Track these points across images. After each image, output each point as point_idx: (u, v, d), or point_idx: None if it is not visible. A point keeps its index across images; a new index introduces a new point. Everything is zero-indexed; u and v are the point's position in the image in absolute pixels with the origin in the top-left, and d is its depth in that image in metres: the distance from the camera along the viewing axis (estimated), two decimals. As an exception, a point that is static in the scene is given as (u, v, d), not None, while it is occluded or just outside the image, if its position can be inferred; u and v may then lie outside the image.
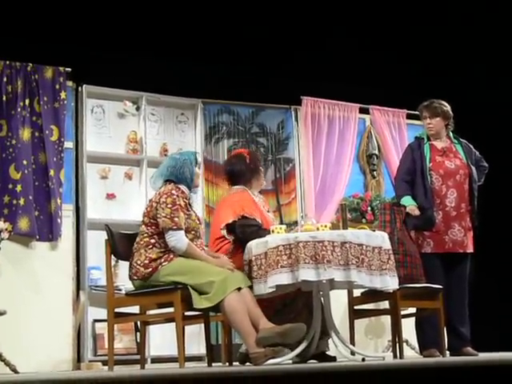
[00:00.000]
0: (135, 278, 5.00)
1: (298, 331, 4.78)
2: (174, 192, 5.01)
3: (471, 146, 5.98)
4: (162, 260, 4.94)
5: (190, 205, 5.13)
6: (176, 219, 4.92)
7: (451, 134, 5.94)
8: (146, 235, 5.02)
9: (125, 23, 7.13)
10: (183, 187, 5.10)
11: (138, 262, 4.97)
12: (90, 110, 7.08)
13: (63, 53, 6.73)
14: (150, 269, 4.94)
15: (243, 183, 5.48)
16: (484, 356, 5.35)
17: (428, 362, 4.46)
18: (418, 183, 5.74)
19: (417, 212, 5.65)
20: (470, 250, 5.74)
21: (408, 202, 5.72)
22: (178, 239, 4.92)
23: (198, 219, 5.16)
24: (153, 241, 4.99)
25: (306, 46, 7.74)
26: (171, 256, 4.95)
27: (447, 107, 5.90)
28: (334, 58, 7.80)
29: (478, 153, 5.98)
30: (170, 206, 4.95)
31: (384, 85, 7.86)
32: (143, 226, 5.07)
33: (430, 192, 5.67)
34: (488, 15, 7.78)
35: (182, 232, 4.94)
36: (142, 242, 5.02)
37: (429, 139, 5.88)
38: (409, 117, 8.27)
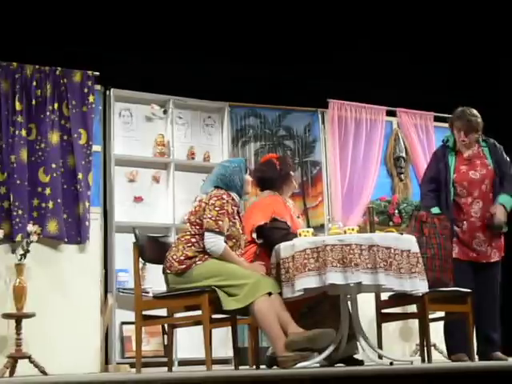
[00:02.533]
0: (168, 271, 5.03)
1: (327, 336, 4.78)
2: (224, 197, 5.05)
3: (499, 147, 5.80)
4: (197, 259, 4.97)
5: (238, 213, 5.15)
6: (220, 223, 4.95)
7: (479, 137, 5.82)
8: (188, 233, 5.05)
9: (152, 27, 7.17)
10: (234, 194, 5.14)
11: (174, 257, 5.00)
12: (118, 113, 7.13)
13: (91, 57, 6.79)
14: (184, 266, 4.97)
15: (274, 189, 5.49)
16: None
17: (456, 366, 4.43)
18: (442, 195, 5.69)
19: None
20: (496, 258, 5.65)
21: (435, 212, 5.67)
22: (215, 242, 4.95)
23: (242, 229, 5.16)
24: (193, 240, 5.02)
25: (333, 48, 7.73)
26: (206, 257, 4.98)
27: (479, 118, 5.75)
28: (361, 60, 7.80)
29: (506, 157, 5.79)
30: (217, 208, 4.99)
31: (411, 87, 7.83)
32: (188, 224, 5.10)
33: (451, 206, 5.63)
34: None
35: (222, 237, 4.97)
36: (182, 239, 5.05)
37: (455, 145, 5.78)
38: (436, 119, 8.23)
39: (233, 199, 5.10)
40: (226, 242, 4.99)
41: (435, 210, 5.69)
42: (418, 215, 5.61)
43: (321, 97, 7.76)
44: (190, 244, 5.01)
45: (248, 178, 5.24)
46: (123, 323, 6.72)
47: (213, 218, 4.96)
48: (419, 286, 4.86)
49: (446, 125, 7.73)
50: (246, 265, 5.03)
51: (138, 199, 7.10)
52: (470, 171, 5.67)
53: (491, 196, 5.64)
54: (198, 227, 5.03)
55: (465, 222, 5.60)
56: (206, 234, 4.96)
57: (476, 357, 5.56)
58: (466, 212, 5.61)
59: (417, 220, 5.53)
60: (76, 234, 6.53)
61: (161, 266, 5.20)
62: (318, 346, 4.80)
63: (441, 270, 5.43)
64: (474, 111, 5.77)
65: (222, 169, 5.22)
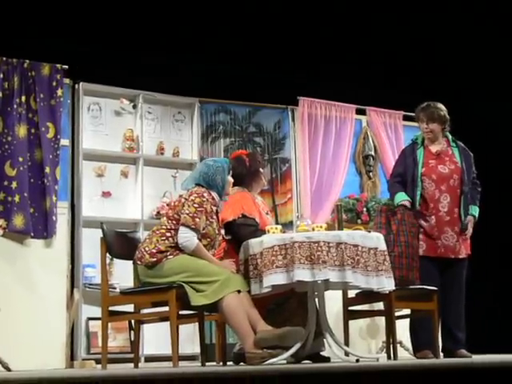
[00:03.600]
0: (139, 262, 5.01)
1: (296, 334, 4.80)
2: (205, 195, 5.05)
3: (470, 154, 5.89)
4: (168, 254, 4.96)
5: (216, 213, 5.14)
6: (197, 220, 4.95)
7: (450, 136, 5.88)
8: (164, 227, 5.04)
9: (122, 21, 7.13)
10: (214, 194, 5.14)
11: (147, 249, 4.99)
12: (87, 107, 7.08)
13: (60, 50, 6.73)
14: (155, 259, 4.95)
15: (243, 186, 5.48)
16: (478, 358, 5.34)
17: (421, 363, 4.46)
18: (409, 190, 5.73)
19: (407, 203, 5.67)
20: (463, 255, 5.69)
21: (401, 198, 5.72)
22: (189, 238, 4.94)
23: (219, 229, 5.16)
24: (168, 234, 5.01)
25: (303, 46, 7.74)
26: (178, 252, 4.97)
27: (444, 111, 5.84)
28: (331, 58, 7.82)
29: (474, 168, 5.90)
30: (196, 205, 4.98)
31: (381, 86, 7.87)
32: (165, 218, 5.09)
33: (419, 201, 5.67)
34: (484, 16, 7.79)
35: (196, 234, 4.96)
36: (157, 232, 5.04)
37: (424, 142, 5.84)
38: (405, 118, 8.28)
39: (213, 198, 5.10)
40: (200, 240, 4.98)
41: (400, 195, 5.73)
42: (381, 209, 5.66)
43: (291, 94, 7.77)
44: (164, 238, 5.00)
45: (230, 179, 5.24)
46: (89, 319, 6.68)
47: (190, 215, 4.95)
48: (386, 283, 4.89)
49: (415, 124, 7.80)
50: (217, 262, 5.02)
51: (106, 194, 7.06)
52: (439, 165, 5.71)
53: (459, 192, 5.68)
54: (174, 222, 5.02)
55: (433, 217, 5.64)
56: (181, 228, 4.96)
57: (441, 354, 5.60)
58: (434, 206, 5.64)
59: (382, 215, 5.56)
60: (43, 228, 6.47)
61: (128, 262, 5.18)
62: (288, 344, 4.80)
63: (408, 269, 5.46)
64: (440, 105, 5.85)
65: (205, 167, 5.22)
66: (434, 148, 5.80)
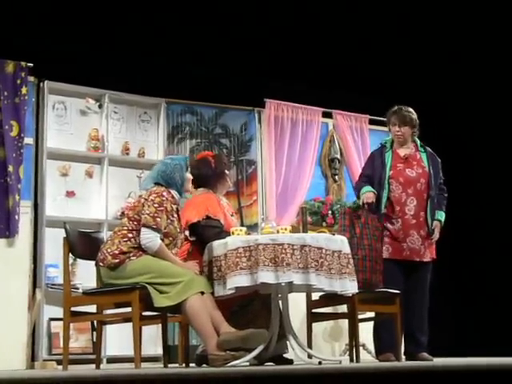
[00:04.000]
0: (101, 264, 4.97)
1: (260, 336, 4.80)
2: (164, 194, 5.02)
3: (438, 160, 5.93)
4: (131, 255, 4.93)
5: (177, 211, 5.12)
6: (158, 219, 4.92)
7: (418, 141, 5.92)
8: (125, 228, 5.01)
9: (89, 19, 7.08)
10: (174, 192, 5.11)
11: (109, 251, 4.95)
12: (52, 106, 7.02)
13: (25, 47, 6.66)
14: (118, 260, 4.92)
15: (208, 187, 5.47)
16: (439, 361, 5.38)
17: (383, 365, 4.48)
18: (376, 192, 5.76)
19: (371, 199, 5.67)
20: (427, 258, 5.72)
21: (366, 189, 5.75)
22: (151, 238, 4.91)
23: (180, 228, 5.13)
24: (130, 235, 4.97)
25: (271, 48, 7.75)
26: (140, 253, 4.94)
27: (415, 115, 5.88)
28: (299, 61, 7.83)
29: (441, 174, 5.93)
30: (156, 205, 4.95)
31: (347, 90, 7.90)
32: (126, 219, 5.05)
33: (383, 203, 5.70)
34: (449, 20, 7.86)
35: (159, 234, 4.94)
36: (119, 233, 5.00)
37: (392, 146, 5.87)
38: (371, 122, 8.32)
39: (172, 197, 5.08)
40: (162, 239, 4.96)
41: (367, 187, 5.75)
42: (345, 211, 5.69)
43: (258, 96, 7.78)
44: (126, 239, 4.97)
45: (189, 176, 5.22)
46: (51, 319, 6.61)
47: (151, 215, 4.93)
48: (349, 286, 4.90)
49: (381, 128, 7.86)
50: (180, 264, 5.00)
51: (70, 194, 7.00)
52: (407, 169, 5.74)
53: (425, 196, 5.71)
54: (135, 223, 4.99)
55: (399, 220, 5.67)
56: (143, 229, 4.93)
57: (403, 357, 5.63)
58: (401, 209, 5.67)
59: (345, 218, 5.58)
60: (5, 227, 6.40)
61: (91, 262, 5.14)
62: (251, 346, 4.80)
63: (371, 272, 5.50)
64: (411, 109, 5.91)
65: (163, 166, 5.19)
66: (402, 152, 5.83)
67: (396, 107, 5.91)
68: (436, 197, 5.78)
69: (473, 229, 8.11)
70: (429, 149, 5.94)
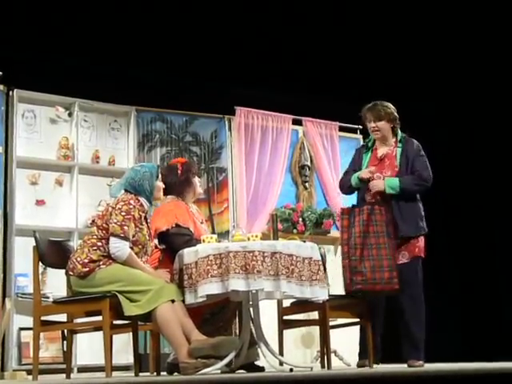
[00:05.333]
0: (71, 273, 4.96)
1: (231, 344, 4.80)
2: (131, 202, 5.00)
3: (415, 150, 5.61)
4: (101, 263, 4.92)
5: (145, 219, 5.10)
6: (125, 228, 4.91)
7: (399, 135, 5.68)
8: (94, 237, 4.99)
9: (58, 27, 7.05)
10: (143, 200, 5.09)
11: (78, 260, 4.93)
12: (21, 114, 6.98)
13: (-6, 56, 6.63)
14: (87, 269, 4.90)
15: (175, 194, 5.46)
16: (431, 367, 5.32)
17: (353, 372, 4.50)
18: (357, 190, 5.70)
19: (367, 174, 5.50)
20: (403, 261, 5.46)
21: (356, 173, 5.62)
22: (120, 247, 4.90)
23: (150, 235, 5.12)
24: (99, 244, 4.96)
25: (240, 55, 7.76)
26: (110, 261, 4.93)
27: (391, 109, 5.70)
28: (268, 68, 7.85)
29: (420, 162, 5.57)
30: (123, 213, 4.94)
31: (317, 97, 7.94)
32: (95, 228, 5.04)
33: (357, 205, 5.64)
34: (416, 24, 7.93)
35: (127, 243, 4.92)
36: (88, 242, 4.99)
37: (374, 145, 5.72)
38: (341, 129, 8.37)
39: (141, 205, 5.06)
40: (132, 247, 4.95)
41: (354, 176, 5.63)
42: (343, 211, 5.47)
43: (228, 104, 7.79)
44: (95, 247, 4.95)
45: (159, 184, 5.20)
46: (21, 329, 6.57)
47: (118, 223, 4.92)
48: (319, 293, 4.91)
49: (351, 135, 7.92)
50: (151, 271, 5.00)
51: (40, 202, 6.96)
52: (376, 173, 5.58)
53: (394, 206, 5.50)
54: (104, 231, 4.97)
55: None
56: (111, 238, 4.92)
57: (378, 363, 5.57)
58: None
59: (343, 218, 5.42)
60: (-26, 236, 6.36)
61: (62, 271, 5.12)
62: (222, 354, 4.79)
63: (373, 271, 5.30)
64: (387, 103, 5.74)
65: (132, 173, 5.18)
66: (380, 151, 5.66)
67: (371, 103, 5.74)
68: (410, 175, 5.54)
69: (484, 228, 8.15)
70: (409, 140, 5.68)
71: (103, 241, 4.96)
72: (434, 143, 7.10)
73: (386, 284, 5.30)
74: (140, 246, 5.02)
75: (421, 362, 5.39)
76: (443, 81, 8.18)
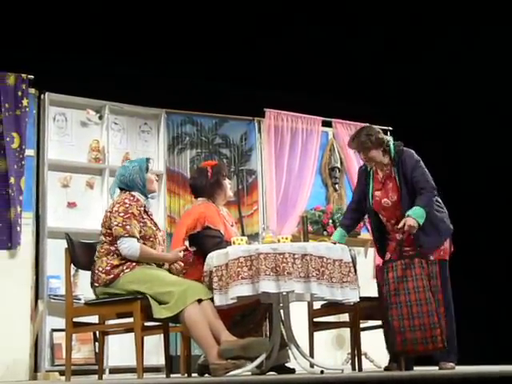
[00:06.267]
0: (96, 284, 4.99)
1: (260, 345, 4.79)
2: (126, 201, 5.04)
3: (408, 163, 5.41)
4: (125, 267, 4.94)
5: (146, 212, 5.13)
6: (128, 227, 4.94)
7: (392, 152, 5.47)
8: (105, 244, 5.03)
9: (90, 31, 7.11)
10: (138, 194, 5.13)
11: (100, 269, 4.96)
12: (53, 117, 7.04)
13: (26, 60, 6.68)
14: (112, 275, 4.93)
15: (206, 197, 5.48)
16: (463, 369, 5.27)
17: (384, 375, 4.48)
18: (369, 216, 5.65)
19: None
20: (431, 258, 5.38)
21: (334, 238, 5.56)
22: (129, 246, 4.94)
23: (155, 225, 5.15)
24: (113, 248, 4.99)
25: (270, 57, 7.77)
26: (133, 264, 4.95)
27: (375, 134, 5.46)
28: (298, 70, 7.85)
29: (418, 175, 5.38)
30: (122, 214, 4.98)
31: (347, 98, 7.92)
32: (102, 236, 5.09)
33: (372, 228, 5.61)
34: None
35: (134, 239, 4.95)
36: (102, 250, 5.02)
37: (372, 168, 5.57)
38: (371, 131, 8.32)
39: (137, 200, 5.09)
40: (144, 243, 4.99)
41: (336, 234, 5.59)
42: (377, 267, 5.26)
43: (258, 106, 7.80)
44: (111, 253, 4.99)
45: (151, 176, 5.24)
46: (54, 330, 6.62)
47: (119, 225, 4.95)
48: (350, 295, 4.89)
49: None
50: (169, 256, 5.06)
51: (71, 205, 7.02)
52: (383, 199, 5.49)
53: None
54: (111, 237, 5.02)
55: (391, 242, 5.49)
56: (118, 242, 4.96)
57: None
58: (392, 231, 5.48)
59: (396, 269, 5.12)
60: (7, 239, 6.42)
61: (94, 273, 5.15)
62: (252, 355, 4.79)
63: (412, 331, 5.00)
64: (369, 129, 5.54)
65: (121, 170, 5.25)
66: (380, 173, 5.53)
67: (352, 136, 5.58)
68: (418, 196, 5.35)
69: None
70: (402, 156, 5.45)
71: (115, 245, 4.99)
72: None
73: (429, 344, 5.02)
74: (151, 239, 5.05)
75: (452, 364, 5.33)
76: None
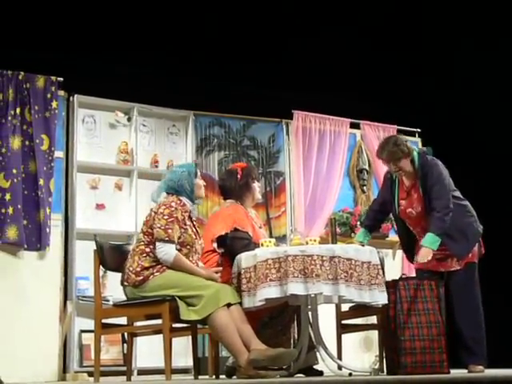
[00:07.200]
0: (126, 283, 5.00)
1: (289, 356, 4.76)
2: (173, 204, 5.03)
3: (432, 177, 5.39)
4: (155, 270, 4.94)
5: (190, 218, 5.12)
6: (169, 231, 4.93)
7: (416, 163, 5.46)
8: (142, 243, 5.02)
9: (118, 33, 7.14)
10: (185, 199, 5.11)
11: (131, 269, 4.97)
12: (82, 119, 7.08)
13: (55, 62, 6.74)
14: (142, 277, 4.93)
15: (235, 198, 5.47)
16: (490, 372, 5.24)
17: (412, 377, 4.46)
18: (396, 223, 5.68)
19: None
20: (456, 267, 5.42)
21: (358, 238, 5.59)
22: (166, 251, 4.92)
23: (196, 234, 5.12)
24: (148, 250, 4.99)
25: (298, 60, 7.77)
26: (164, 268, 4.95)
27: (402, 143, 5.46)
28: (326, 72, 7.84)
29: (436, 191, 5.35)
30: (166, 217, 4.96)
31: (375, 100, 7.90)
32: (141, 234, 5.08)
33: (399, 233, 5.62)
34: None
35: (173, 245, 4.94)
36: (137, 249, 5.02)
37: (397, 176, 5.56)
38: (399, 132, 8.29)
39: (183, 205, 5.08)
40: (180, 249, 4.96)
41: (360, 235, 5.61)
42: (388, 285, 5.05)
43: (285, 108, 7.79)
44: (144, 254, 4.98)
45: (199, 182, 5.22)
46: (82, 331, 6.65)
47: (162, 228, 4.94)
48: (378, 297, 4.88)
49: (409, 138, 7.82)
50: (201, 271, 4.99)
51: (100, 206, 7.05)
52: (408, 209, 5.49)
53: None
54: (150, 237, 5.00)
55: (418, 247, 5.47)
56: (157, 243, 4.94)
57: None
58: (420, 237, 5.45)
59: (389, 292, 5.02)
60: (36, 240, 6.46)
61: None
62: (281, 365, 4.80)
63: (423, 353, 4.98)
64: (395, 139, 5.54)
65: (170, 174, 5.23)
66: (406, 182, 5.53)
67: (380, 147, 5.54)
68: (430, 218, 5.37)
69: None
70: (428, 164, 5.44)
71: (151, 246, 4.98)
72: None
73: (436, 367, 4.97)
74: (188, 247, 5.02)
75: (481, 368, 5.29)
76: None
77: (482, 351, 5.36)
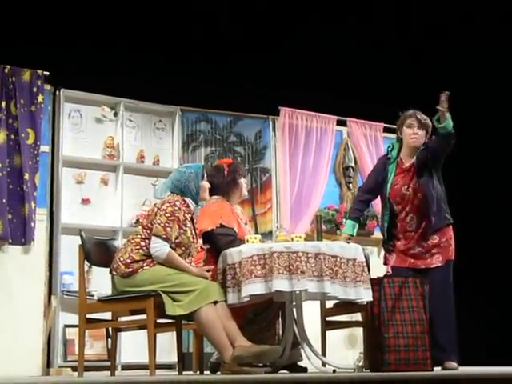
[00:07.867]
0: (114, 273, 5.00)
1: (273, 353, 4.78)
2: (177, 203, 5.01)
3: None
4: (144, 264, 4.94)
5: (192, 220, 5.11)
6: (168, 229, 4.92)
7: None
8: (138, 236, 5.02)
9: (105, 28, 7.12)
10: (189, 200, 5.10)
11: (121, 259, 4.96)
12: (68, 114, 7.06)
13: (41, 56, 6.71)
14: (131, 269, 4.93)
15: (221, 195, 5.47)
16: (465, 370, 5.29)
17: (396, 374, 4.47)
18: (382, 206, 5.66)
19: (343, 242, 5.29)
20: (436, 264, 5.42)
21: (346, 230, 5.59)
22: (159, 247, 4.91)
23: (194, 237, 5.10)
24: (142, 243, 4.98)
25: (285, 56, 7.77)
26: (154, 262, 4.94)
27: (429, 121, 5.57)
28: (313, 69, 7.85)
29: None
30: (168, 215, 4.95)
31: (362, 98, 7.91)
32: (140, 227, 5.07)
33: (385, 221, 5.58)
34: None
35: (167, 243, 4.93)
36: (132, 241, 5.01)
37: (399, 155, 5.62)
38: (385, 130, 8.32)
39: (187, 206, 5.07)
40: (174, 249, 4.95)
41: (348, 227, 5.59)
42: (373, 282, 5.07)
43: (272, 104, 7.79)
44: (138, 247, 4.97)
45: (205, 184, 5.21)
46: (66, 326, 6.64)
47: (161, 224, 4.93)
48: (363, 294, 4.90)
49: (395, 136, 7.85)
50: (193, 270, 4.99)
51: (85, 201, 7.03)
52: (404, 186, 5.50)
53: (425, 209, 5.45)
54: (148, 231, 4.99)
55: (400, 236, 5.50)
56: (153, 238, 4.94)
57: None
58: (402, 226, 5.49)
59: (374, 289, 5.03)
60: (21, 234, 6.44)
61: (106, 270, 5.16)
62: (265, 362, 4.81)
63: (407, 350, 4.99)
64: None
65: (177, 174, 5.19)
66: (407, 161, 5.58)
67: (411, 110, 5.63)
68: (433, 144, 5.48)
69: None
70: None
71: (147, 241, 4.97)
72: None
73: (420, 365, 4.99)
74: (183, 248, 5.02)
75: (455, 365, 5.28)
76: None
77: (455, 349, 5.38)
